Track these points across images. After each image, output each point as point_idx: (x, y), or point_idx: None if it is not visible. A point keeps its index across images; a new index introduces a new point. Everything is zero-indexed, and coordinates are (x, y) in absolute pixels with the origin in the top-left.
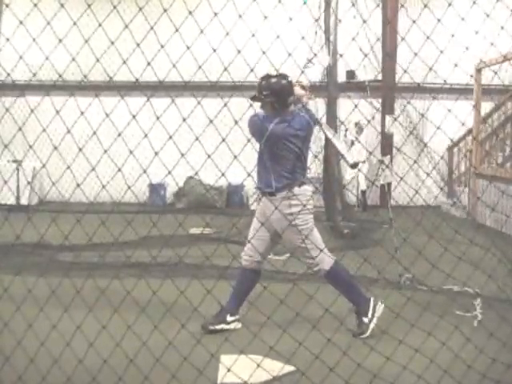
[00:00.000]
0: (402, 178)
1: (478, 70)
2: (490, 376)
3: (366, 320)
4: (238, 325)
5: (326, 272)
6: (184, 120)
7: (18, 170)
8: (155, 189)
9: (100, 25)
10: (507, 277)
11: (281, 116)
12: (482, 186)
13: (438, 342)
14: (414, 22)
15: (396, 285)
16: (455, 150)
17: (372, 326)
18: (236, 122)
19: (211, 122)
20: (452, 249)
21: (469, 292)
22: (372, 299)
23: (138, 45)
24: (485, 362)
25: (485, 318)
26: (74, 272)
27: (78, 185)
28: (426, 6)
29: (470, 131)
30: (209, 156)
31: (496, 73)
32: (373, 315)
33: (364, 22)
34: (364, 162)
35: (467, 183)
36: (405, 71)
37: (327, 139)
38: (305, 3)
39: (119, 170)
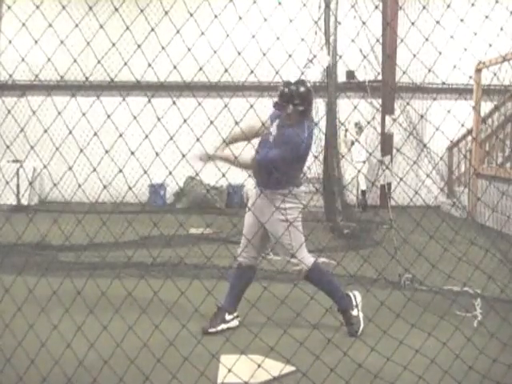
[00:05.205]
0: (401, 179)
1: (478, 71)
2: (491, 377)
3: (354, 313)
4: (236, 322)
5: (308, 271)
6: (185, 121)
7: (18, 170)
8: (155, 189)
9: (101, 26)
10: (507, 277)
11: (299, 124)
12: (482, 186)
13: (439, 342)
14: (412, 23)
15: (396, 285)
16: (455, 150)
17: (361, 315)
18: (236, 123)
19: (211, 122)
20: (452, 249)
21: (469, 292)
22: (349, 292)
23: (138, 46)
24: (485, 363)
25: (485, 318)
26: (75, 272)
27: (80, 185)
28: (424, 7)
29: (470, 131)
30: (209, 156)
31: (495, 74)
32: (357, 305)
33: (363, 23)
34: (364, 162)
35: (467, 183)
36: (404, 72)
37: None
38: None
39: (120, 170)
